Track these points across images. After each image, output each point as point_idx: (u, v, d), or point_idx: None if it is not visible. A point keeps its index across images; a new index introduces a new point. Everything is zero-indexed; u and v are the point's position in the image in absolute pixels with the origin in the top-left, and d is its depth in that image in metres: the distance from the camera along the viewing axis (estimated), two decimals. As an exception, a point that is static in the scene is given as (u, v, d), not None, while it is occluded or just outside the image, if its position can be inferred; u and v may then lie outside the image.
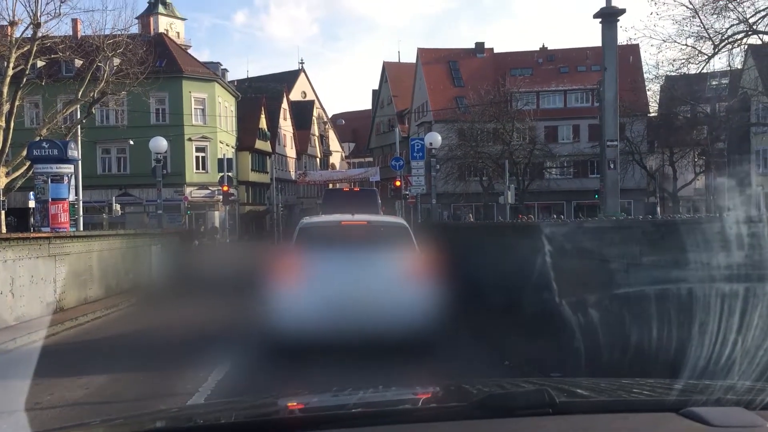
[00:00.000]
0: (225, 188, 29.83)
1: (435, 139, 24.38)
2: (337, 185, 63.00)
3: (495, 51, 58.13)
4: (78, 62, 31.76)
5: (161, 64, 40.37)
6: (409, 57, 78.66)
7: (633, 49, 44.04)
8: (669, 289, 5.69)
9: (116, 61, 28.90)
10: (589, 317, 6.59)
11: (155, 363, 8.14)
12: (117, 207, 38.14)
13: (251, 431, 1.84)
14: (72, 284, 12.36)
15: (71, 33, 35.72)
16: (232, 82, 57.28)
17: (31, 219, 27.99)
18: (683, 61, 25.91)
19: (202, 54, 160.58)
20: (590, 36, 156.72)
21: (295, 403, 2.38)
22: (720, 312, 4.76)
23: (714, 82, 40.22)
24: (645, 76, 33.37)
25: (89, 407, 5.99)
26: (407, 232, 8.74)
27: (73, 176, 18.82)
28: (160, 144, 22.53)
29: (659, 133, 45.10)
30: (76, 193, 29.01)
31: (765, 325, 4.50)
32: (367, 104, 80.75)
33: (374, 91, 73.69)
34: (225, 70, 55.10)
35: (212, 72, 49.08)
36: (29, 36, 24.65)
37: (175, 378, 7.22)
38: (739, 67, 32.00)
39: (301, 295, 7.49)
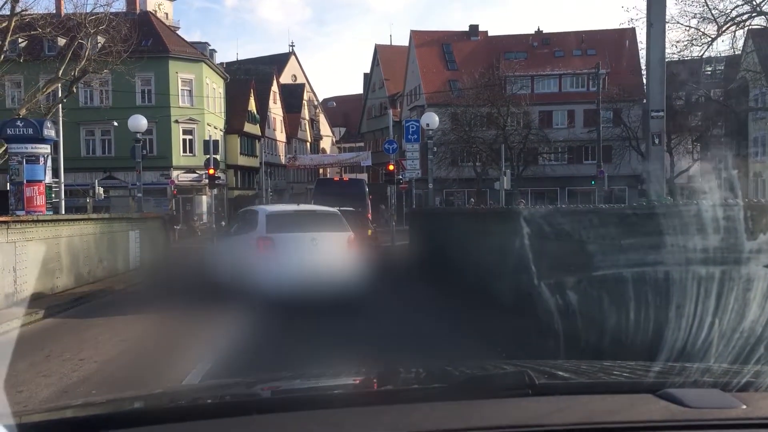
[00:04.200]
0: (211, 171, 28.72)
1: (432, 119, 22.96)
2: (328, 171, 62.12)
3: (489, 34, 57.02)
4: (61, 41, 30.70)
5: (147, 43, 39.18)
6: (402, 41, 77.52)
7: (631, 33, 43.22)
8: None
9: (100, 39, 27.86)
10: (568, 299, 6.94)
11: (117, 371, 7.00)
12: (100, 190, 37.01)
13: (223, 413, 1.77)
14: (37, 273, 11.41)
15: (54, 11, 34.67)
16: (221, 64, 56.00)
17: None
18: (686, 43, 25.17)
19: (191, 36, 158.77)
20: (586, 20, 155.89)
21: (274, 385, 2.40)
22: (696, 295, 4.82)
23: (709, 68, 39.51)
24: (643, 60, 32.53)
25: None
26: (340, 218, 12.06)
27: (50, 157, 17.85)
28: (139, 123, 21.37)
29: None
30: (57, 176, 28.01)
31: (741, 308, 4.58)
32: (358, 88, 79.51)
33: (366, 75, 72.43)
34: (213, 51, 53.80)
35: (200, 52, 47.80)
36: (7, 13, 23.64)
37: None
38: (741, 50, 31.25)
39: (274, 261, 10.66)
